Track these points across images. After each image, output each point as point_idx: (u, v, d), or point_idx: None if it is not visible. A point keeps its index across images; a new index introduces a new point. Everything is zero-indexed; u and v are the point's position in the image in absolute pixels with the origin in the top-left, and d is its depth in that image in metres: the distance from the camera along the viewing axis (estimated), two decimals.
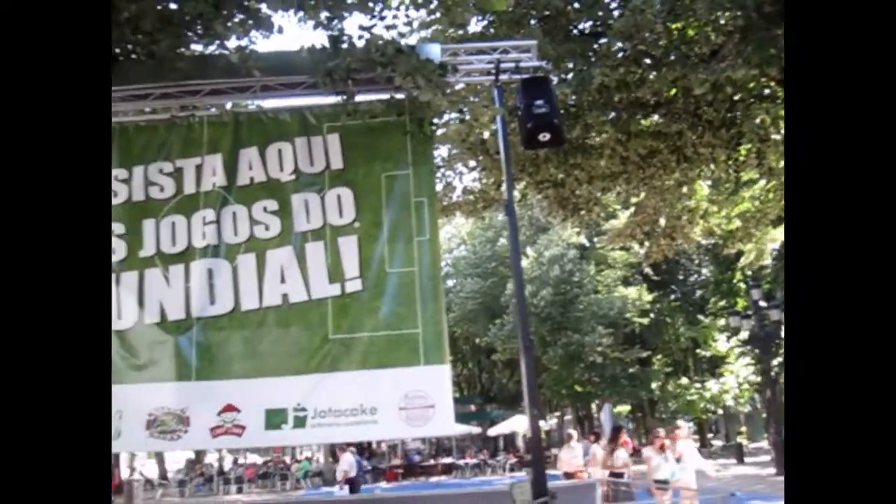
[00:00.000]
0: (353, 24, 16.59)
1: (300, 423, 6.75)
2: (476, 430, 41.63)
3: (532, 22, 10.96)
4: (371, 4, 6.92)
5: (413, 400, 6.61)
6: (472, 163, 12.46)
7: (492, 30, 10.93)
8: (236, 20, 6.75)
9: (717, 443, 48.61)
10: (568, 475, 14.41)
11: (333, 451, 25.89)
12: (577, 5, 10.98)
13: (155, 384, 7.05)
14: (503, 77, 7.62)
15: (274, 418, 6.80)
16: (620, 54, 9.56)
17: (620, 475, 13.14)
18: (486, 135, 11.21)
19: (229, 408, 6.85)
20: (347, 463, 15.80)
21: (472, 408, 48.55)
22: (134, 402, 7.01)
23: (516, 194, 12.44)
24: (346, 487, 16.13)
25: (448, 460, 37.59)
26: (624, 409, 45.29)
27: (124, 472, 32.06)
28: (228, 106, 8.24)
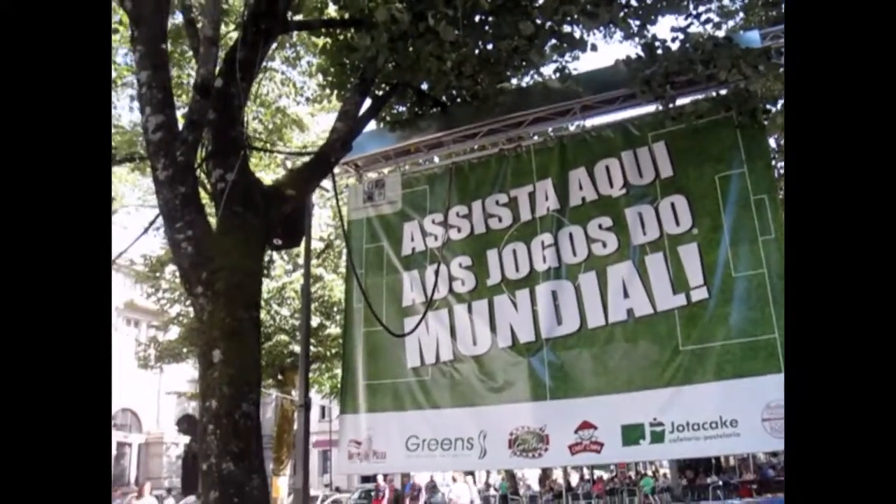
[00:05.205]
0: (663, 28, 16.23)
1: (658, 437, 6.63)
2: None
3: None
4: (684, 3, 6.69)
5: (777, 410, 6.15)
6: None
7: None
8: (549, 46, 6.90)
9: None
10: None
11: (682, 467, 25.06)
12: None
13: (513, 405, 7.39)
14: None
15: (631, 434, 6.76)
16: None
17: None
18: None
19: (586, 425, 6.94)
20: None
21: None
22: (495, 422, 7.42)
23: None
24: None
25: None
26: None
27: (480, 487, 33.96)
28: (551, 131, 8.45)
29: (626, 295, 7.12)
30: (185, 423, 39.92)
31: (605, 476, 38.98)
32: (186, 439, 38.55)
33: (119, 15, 12.95)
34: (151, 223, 7.70)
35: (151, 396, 36.89)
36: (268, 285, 21.09)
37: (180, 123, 5.60)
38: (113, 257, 7.68)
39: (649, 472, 36.51)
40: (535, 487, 37.54)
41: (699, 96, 7.29)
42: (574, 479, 38.45)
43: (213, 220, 5.45)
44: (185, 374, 30.58)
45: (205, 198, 5.69)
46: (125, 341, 31.11)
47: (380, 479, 28.54)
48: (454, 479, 17.88)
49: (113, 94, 15.67)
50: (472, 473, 28.48)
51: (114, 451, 35.33)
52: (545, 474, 37.92)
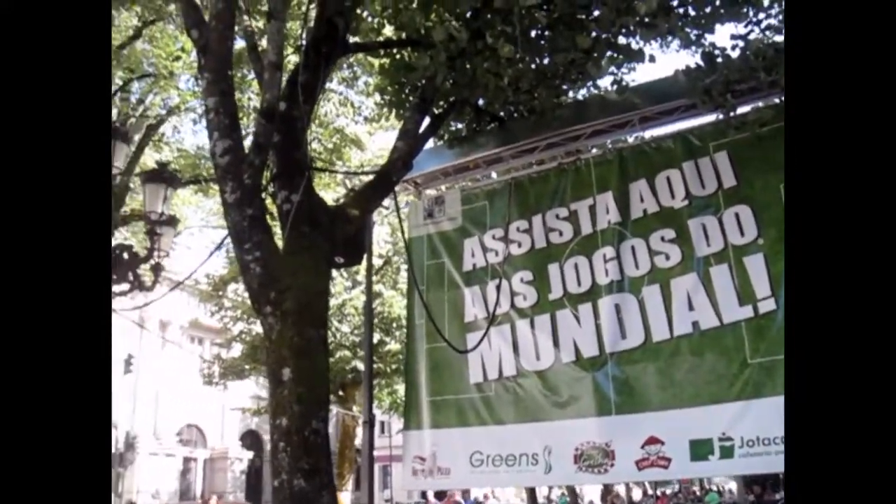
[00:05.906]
0: (722, 36, 16.03)
1: (728, 453, 6.48)
2: None
3: None
4: (744, 10, 6.59)
5: None
6: None
7: None
8: (606, 59, 6.87)
9: None
10: None
11: (748, 482, 24.44)
12: None
13: (578, 420, 7.31)
14: None
15: (699, 449, 6.62)
16: None
17: None
18: None
19: (652, 440, 6.83)
20: None
21: None
22: (560, 437, 7.35)
23: None
24: None
25: None
26: None
27: (540, 499, 33.63)
28: (610, 143, 8.40)
29: (691, 307, 6.98)
30: (249, 439, 40.55)
31: (669, 491, 38.29)
32: (250, 454, 39.14)
33: (182, 42, 13.39)
34: (220, 245, 7.93)
35: (216, 412, 37.55)
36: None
37: (246, 147, 5.76)
38: (181, 278, 7.92)
39: (714, 487, 35.75)
40: (597, 502, 37.02)
41: (761, 104, 7.17)
42: (637, 494, 37.87)
43: (279, 241, 5.57)
44: (249, 390, 31.09)
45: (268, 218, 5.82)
46: (190, 359, 31.80)
47: (430, 494, 28.50)
48: (485, 497, 17.65)
49: (176, 118, 16.19)
50: (533, 490, 28.31)
51: (180, 466, 36.07)
52: (607, 489, 37.34)
